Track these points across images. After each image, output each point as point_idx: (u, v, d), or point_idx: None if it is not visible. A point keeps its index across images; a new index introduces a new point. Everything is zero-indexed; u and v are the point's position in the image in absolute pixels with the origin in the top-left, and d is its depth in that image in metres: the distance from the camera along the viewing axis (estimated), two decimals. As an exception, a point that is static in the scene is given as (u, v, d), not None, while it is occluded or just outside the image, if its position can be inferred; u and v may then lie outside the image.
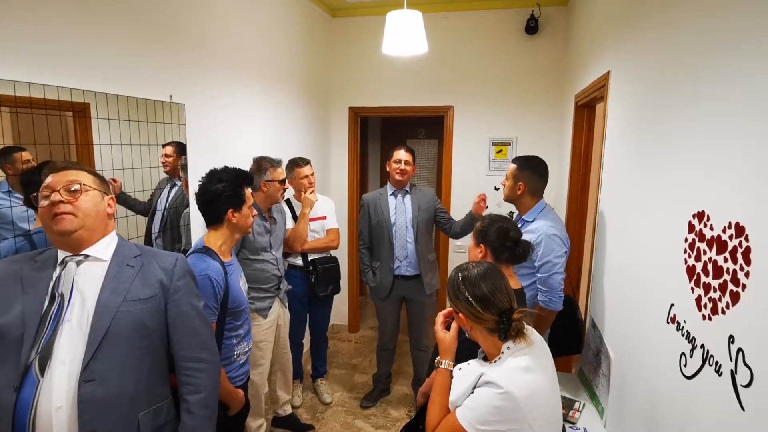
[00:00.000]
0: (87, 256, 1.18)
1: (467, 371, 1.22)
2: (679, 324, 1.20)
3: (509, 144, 3.75)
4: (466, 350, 1.35)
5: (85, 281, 1.16)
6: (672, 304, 1.25)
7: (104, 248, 1.22)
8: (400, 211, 2.86)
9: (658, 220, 1.41)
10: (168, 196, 2.13)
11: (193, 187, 2.23)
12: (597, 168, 2.36)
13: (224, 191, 1.71)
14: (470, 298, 1.19)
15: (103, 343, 1.10)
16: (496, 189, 3.78)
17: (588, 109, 2.79)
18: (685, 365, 1.15)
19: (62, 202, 1.13)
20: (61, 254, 1.18)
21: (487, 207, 2.64)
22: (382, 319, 3.05)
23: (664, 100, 1.42)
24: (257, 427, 2.40)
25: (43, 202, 1.14)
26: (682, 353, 1.17)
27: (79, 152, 1.67)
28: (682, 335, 1.17)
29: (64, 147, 1.62)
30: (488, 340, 1.21)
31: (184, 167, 2.21)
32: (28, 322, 1.09)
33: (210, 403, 1.30)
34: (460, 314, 1.23)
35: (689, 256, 1.16)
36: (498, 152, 3.78)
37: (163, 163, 2.07)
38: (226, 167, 1.82)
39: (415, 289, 2.87)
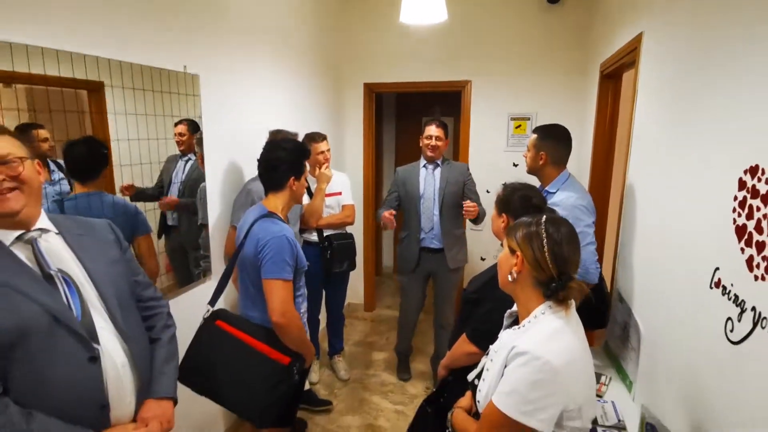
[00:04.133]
0: (42, 229, 1.09)
1: (497, 352, 1.15)
2: (725, 288, 1.14)
3: (528, 119, 3.64)
4: (495, 310, 1.31)
5: (54, 255, 1.09)
6: (717, 268, 1.18)
7: (46, 219, 1.12)
8: (429, 184, 2.86)
9: (701, 182, 1.33)
10: (184, 169, 2.10)
11: (210, 160, 2.22)
12: (624, 136, 2.26)
13: (288, 160, 1.79)
14: (545, 248, 1.10)
15: (119, 306, 1.16)
16: (515, 165, 3.69)
17: (614, 79, 2.68)
18: (731, 330, 1.09)
19: (5, 180, 1.00)
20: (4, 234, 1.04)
21: (471, 211, 2.58)
22: (406, 296, 3.04)
23: (709, 54, 1.33)
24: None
25: None
26: (729, 318, 1.10)
27: (93, 121, 1.64)
28: (729, 299, 1.11)
29: (79, 115, 1.58)
30: (530, 292, 1.13)
31: (200, 141, 2.17)
32: (52, 307, 1.02)
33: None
34: (518, 253, 1.14)
35: (739, 215, 1.08)
36: (517, 127, 3.68)
37: (177, 142, 2.04)
38: (287, 139, 1.92)
39: (440, 263, 2.86)
